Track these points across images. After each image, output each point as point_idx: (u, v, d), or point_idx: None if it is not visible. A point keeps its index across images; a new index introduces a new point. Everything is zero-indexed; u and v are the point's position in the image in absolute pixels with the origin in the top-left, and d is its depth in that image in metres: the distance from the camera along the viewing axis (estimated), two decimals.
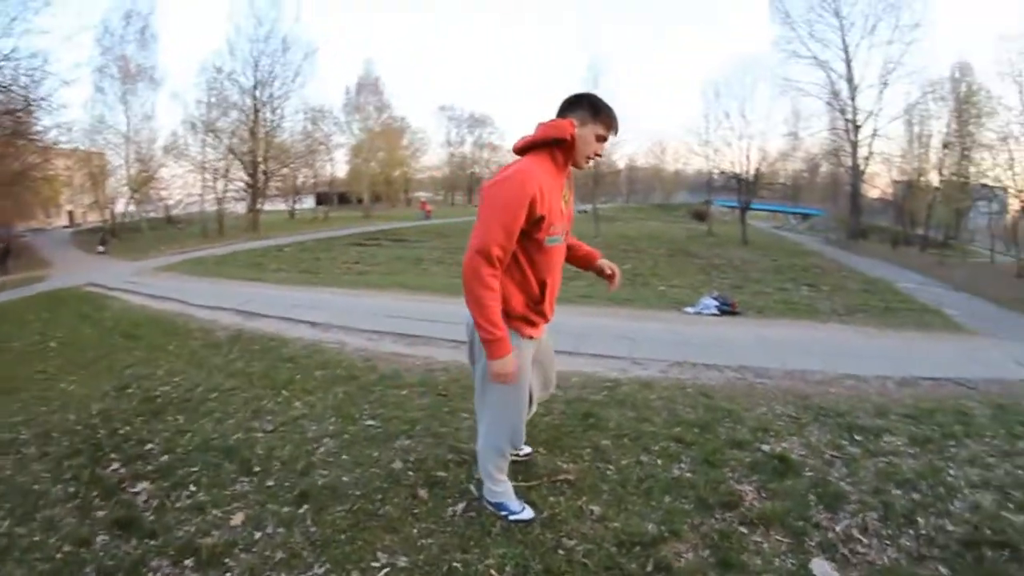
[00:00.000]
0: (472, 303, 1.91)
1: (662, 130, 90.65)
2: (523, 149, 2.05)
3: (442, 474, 2.83)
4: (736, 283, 11.92)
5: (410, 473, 2.89)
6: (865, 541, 2.73)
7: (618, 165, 32.68)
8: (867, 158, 29.68)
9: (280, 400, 3.52)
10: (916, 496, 3.15)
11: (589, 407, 3.81)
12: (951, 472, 3.53)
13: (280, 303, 7.21)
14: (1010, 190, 26.49)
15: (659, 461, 3.06)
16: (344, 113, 37.50)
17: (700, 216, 36.08)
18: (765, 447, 3.38)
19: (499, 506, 2.38)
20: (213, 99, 26.14)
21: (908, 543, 2.69)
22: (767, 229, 36.91)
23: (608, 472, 2.95)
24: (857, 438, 3.79)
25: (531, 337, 2.14)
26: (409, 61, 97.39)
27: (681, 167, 59.17)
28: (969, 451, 3.91)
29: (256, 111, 27.10)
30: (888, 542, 2.71)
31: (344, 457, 2.98)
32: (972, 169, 27.58)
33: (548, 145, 2.01)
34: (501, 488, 2.39)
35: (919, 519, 2.94)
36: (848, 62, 28.59)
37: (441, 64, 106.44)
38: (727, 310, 8.16)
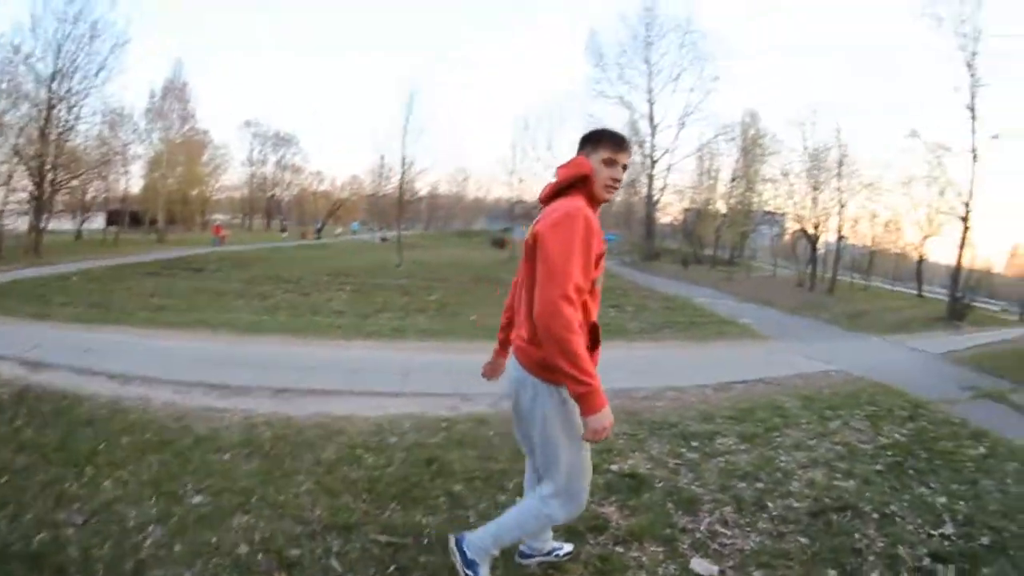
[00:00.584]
0: (560, 353, 1.89)
1: (467, 159, 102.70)
2: (553, 195, 2.22)
3: (296, 552, 2.83)
4: None
5: (259, 557, 2.80)
6: (729, 533, 3.30)
7: (420, 192, 33.70)
8: (662, 189, 37.71)
9: (85, 480, 3.47)
10: (759, 485, 3.99)
11: (431, 452, 4.10)
12: (782, 459, 4.61)
13: (70, 348, 7.30)
14: (789, 215, 36.25)
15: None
16: (145, 119, 38.36)
17: (500, 243, 41.17)
18: (614, 467, 3.90)
19: (472, 566, 2.37)
20: (3, 85, 25.00)
21: (765, 525, 3.44)
22: None
23: (470, 518, 3.14)
24: (693, 444, 4.70)
25: None
26: (220, 66, 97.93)
27: (482, 195, 67.50)
28: (792, 438, 5.16)
29: (51, 107, 26.37)
30: (748, 529, 3.38)
31: (177, 548, 2.85)
32: (756, 198, 37.16)
33: (574, 185, 2.18)
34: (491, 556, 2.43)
35: (768, 503, 3.70)
36: (651, 104, 35.69)
37: (252, 73, 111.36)
38: None
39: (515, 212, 36.75)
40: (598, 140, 2.22)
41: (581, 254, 1.97)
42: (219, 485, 3.35)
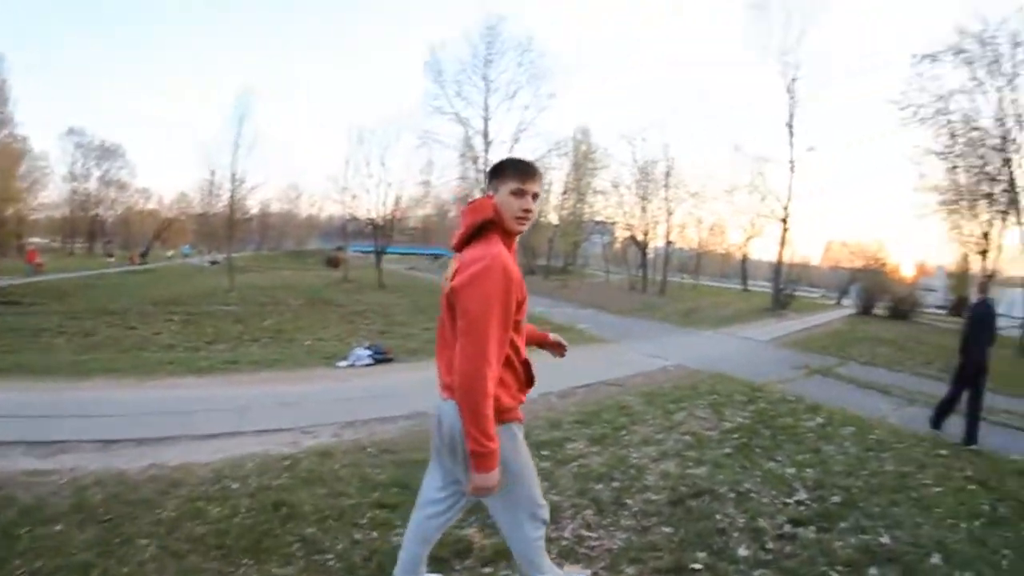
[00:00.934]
0: (471, 414, 2.06)
1: (299, 175, 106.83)
2: (466, 240, 2.30)
3: None
4: (382, 328, 13.66)
5: None
6: (594, 535, 3.59)
7: (251, 211, 32.11)
8: None
9: None
10: (616, 484, 4.38)
11: (276, 494, 4.08)
12: (634, 455, 5.07)
13: None
14: (619, 224, 42.98)
15: (375, 533, 3.47)
16: None
17: (334, 263, 45.10)
18: None
19: None
20: None
21: (628, 522, 3.78)
22: (401, 271, 49.53)
23: (329, 562, 3.20)
24: (544, 453, 5.00)
25: (521, 420, 2.39)
26: (44, 63, 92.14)
27: (315, 212, 71.86)
28: (640, 435, 5.69)
29: None
30: (613, 528, 3.68)
31: None
32: (587, 209, 42.76)
33: (484, 227, 2.28)
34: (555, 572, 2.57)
35: (627, 500, 4.08)
36: (487, 120, 38.23)
37: (76, 76, 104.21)
38: (381, 358, 9.88)
39: (348, 230, 40.30)
40: (502, 172, 2.33)
41: (501, 309, 2.09)
42: (52, 564, 3.03)
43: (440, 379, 2.36)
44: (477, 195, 26.98)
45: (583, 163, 43.10)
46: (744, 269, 51.48)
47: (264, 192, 55.87)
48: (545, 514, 2.49)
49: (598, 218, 44.31)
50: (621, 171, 40.94)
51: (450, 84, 38.15)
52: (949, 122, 25.13)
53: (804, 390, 8.75)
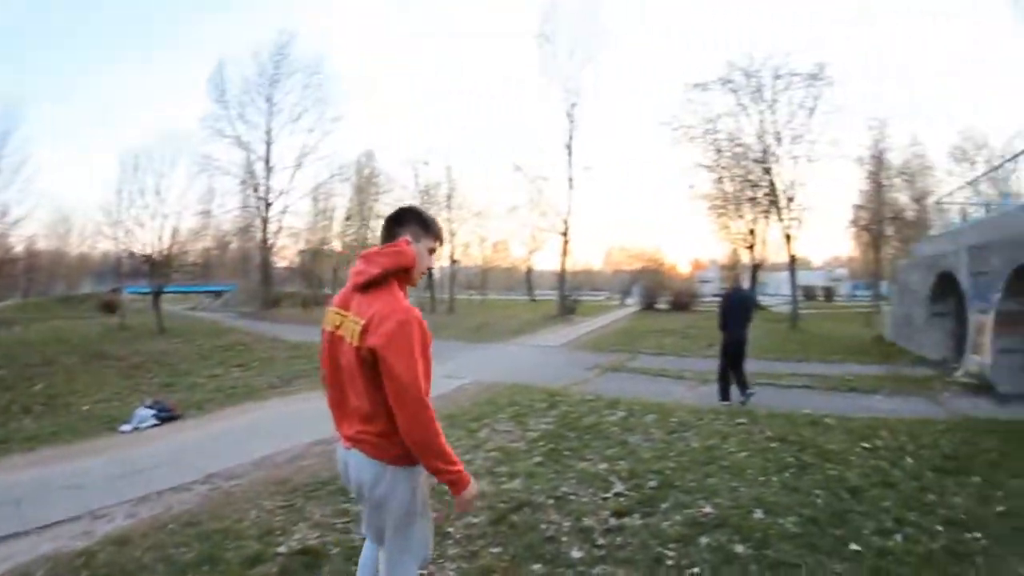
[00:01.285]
0: (435, 456, 2.26)
1: (69, 206, 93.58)
2: (373, 283, 2.35)
3: None
4: (166, 381, 13.08)
5: None
6: (424, 572, 3.45)
7: (15, 249, 28.29)
8: (277, 232, 40.99)
9: None
10: (433, 514, 4.20)
11: None
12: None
13: None
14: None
15: None
16: None
17: (110, 307, 41.88)
18: (282, 548, 4.00)
19: None
20: None
21: (455, 550, 3.86)
22: (182, 312, 47.06)
23: None
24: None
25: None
26: None
27: (87, 250, 67.68)
28: None
29: None
30: (441, 560, 3.72)
31: None
32: (370, 234, 42.55)
33: (396, 274, 2.38)
34: None
35: (449, 529, 4.14)
36: (269, 144, 38.15)
37: None
38: (167, 416, 9.31)
39: (123, 268, 37.48)
40: (428, 227, 2.51)
41: (422, 360, 2.27)
42: None
43: (340, 430, 2.52)
44: (258, 224, 25.43)
45: (366, 187, 45.76)
46: (529, 281, 55.26)
47: (29, 227, 52.65)
48: (430, 556, 2.75)
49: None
50: (403, 195, 43.96)
51: (233, 105, 38.28)
52: (716, 140, 31.75)
53: (601, 388, 9.67)
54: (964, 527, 4.45)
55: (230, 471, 5.97)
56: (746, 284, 9.25)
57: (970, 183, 21.19)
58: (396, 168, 69.27)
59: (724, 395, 8.76)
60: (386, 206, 42.97)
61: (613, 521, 4.20)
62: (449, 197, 41.37)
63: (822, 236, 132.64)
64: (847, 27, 79.81)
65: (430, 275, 40.61)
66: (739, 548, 3.90)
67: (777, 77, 27.98)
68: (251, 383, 12.69)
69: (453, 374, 11.30)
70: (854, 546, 4.07)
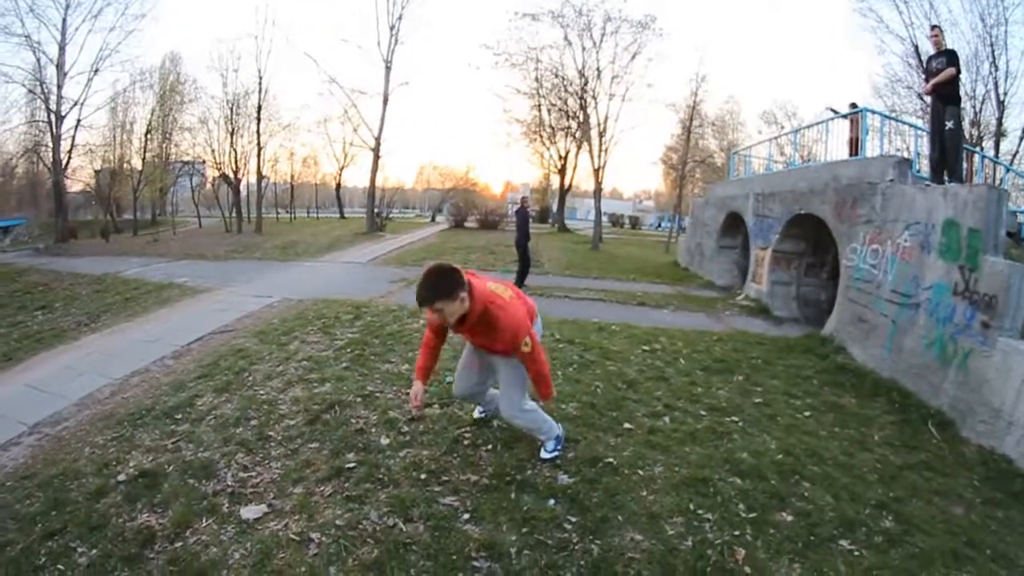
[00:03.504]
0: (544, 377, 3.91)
1: None
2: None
3: None
4: None
5: None
6: (254, 473, 4.02)
7: None
8: (70, 151, 36.56)
9: None
10: (254, 423, 4.81)
11: None
12: (261, 392, 5.45)
13: None
14: (209, 163, 41.59)
15: None
16: None
17: None
18: (121, 476, 4.11)
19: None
20: None
21: (278, 451, 4.28)
22: None
23: None
24: (178, 417, 5.11)
25: None
26: None
27: None
28: (262, 372, 6.02)
29: None
30: (267, 461, 4.16)
31: None
32: (174, 149, 40.22)
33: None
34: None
35: (270, 433, 4.58)
36: (63, 45, 32.71)
37: None
38: None
39: None
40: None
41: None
42: None
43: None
44: (49, 142, 23.13)
45: (171, 96, 40.16)
46: (339, 197, 52.71)
47: None
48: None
49: (186, 158, 42.58)
50: (211, 104, 40.35)
51: None
52: (538, 69, 33.18)
53: (405, 299, 10.15)
54: (725, 413, 5.51)
55: (55, 417, 5.81)
56: (528, 205, 12.55)
57: (765, 141, 23.55)
58: (204, 75, 64.67)
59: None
60: (191, 117, 39.89)
61: (415, 412, 4.69)
62: (259, 108, 37.47)
63: (635, 170, 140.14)
64: None
65: (236, 192, 38.57)
66: None
67: (608, 19, 28.99)
68: (58, 324, 12.19)
69: (262, 293, 11.38)
70: (628, 425, 4.95)
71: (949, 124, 8.37)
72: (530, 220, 14.14)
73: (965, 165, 10.43)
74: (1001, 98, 23.66)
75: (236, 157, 38.14)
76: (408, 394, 4.94)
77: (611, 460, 4.30)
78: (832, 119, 12.52)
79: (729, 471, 4.33)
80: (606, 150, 29.60)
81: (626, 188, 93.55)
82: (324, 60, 78.34)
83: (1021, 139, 23.91)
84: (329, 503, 3.65)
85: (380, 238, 28.09)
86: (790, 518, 3.80)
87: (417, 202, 79.93)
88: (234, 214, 38.83)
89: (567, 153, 36.78)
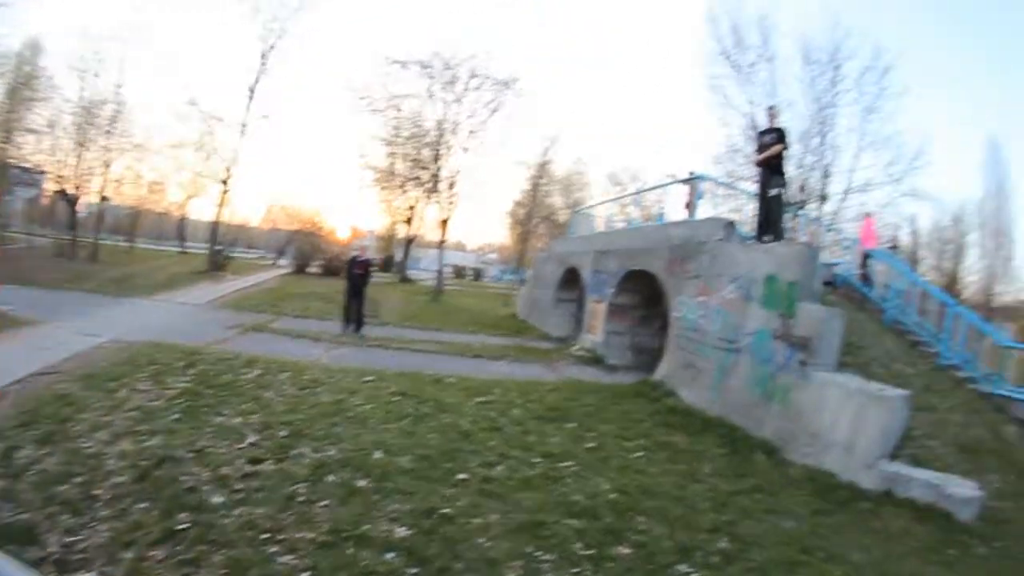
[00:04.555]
0: None
1: None
2: None
3: None
4: None
5: None
6: (81, 536, 3.70)
7: None
8: None
9: None
10: (79, 479, 4.38)
11: None
12: (86, 444, 4.95)
13: None
14: (50, 175, 35.03)
15: None
16: None
17: None
18: None
19: None
20: None
21: (106, 511, 3.91)
22: None
23: None
24: None
25: None
26: None
27: None
28: (88, 422, 5.47)
29: None
30: (94, 523, 3.79)
31: None
32: (15, 152, 32.68)
33: None
34: None
35: (96, 492, 4.18)
36: None
37: None
38: None
39: None
40: None
41: None
42: None
43: None
44: None
45: (21, 90, 33.61)
46: (182, 229, 48.70)
47: None
48: None
49: (24, 164, 35.38)
50: (64, 107, 33.32)
51: None
52: (398, 117, 33.36)
53: (242, 347, 9.88)
54: (559, 459, 5.74)
55: None
56: (368, 254, 13.29)
57: (606, 202, 24.94)
58: (63, 74, 56.27)
59: (347, 327, 12.64)
60: (40, 116, 33.15)
61: (248, 468, 4.66)
62: (113, 120, 32.83)
63: (481, 223, 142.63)
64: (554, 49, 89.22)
65: (74, 214, 33.33)
66: (362, 482, 4.66)
67: (473, 75, 30.04)
68: None
69: (91, 331, 10.40)
70: (462, 475, 5.04)
71: (773, 192, 9.49)
72: (370, 271, 14.66)
73: (790, 225, 12.05)
74: (826, 167, 27.76)
75: (79, 172, 33.03)
76: (241, 448, 4.91)
77: (447, 511, 4.38)
78: (670, 183, 13.79)
79: (564, 513, 4.53)
80: (453, 202, 30.51)
81: (471, 240, 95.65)
82: (189, 77, 72.49)
83: (840, 201, 27.92)
84: (162, 568, 3.47)
85: (220, 278, 26.85)
86: (628, 551, 4.06)
87: (262, 242, 74.62)
88: (70, 236, 33.93)
89: (416, 203, 36.96)
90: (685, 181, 13.19)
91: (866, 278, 12.99)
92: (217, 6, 61.54)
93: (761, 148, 9.81)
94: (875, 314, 11.72)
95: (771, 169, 9.62)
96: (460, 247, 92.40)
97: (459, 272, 64.62)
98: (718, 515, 4.96)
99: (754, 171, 10.67)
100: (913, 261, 43.40)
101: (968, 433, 8.18)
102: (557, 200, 41.31)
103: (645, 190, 19.56)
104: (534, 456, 5.79)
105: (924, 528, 5.66)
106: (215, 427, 5.65)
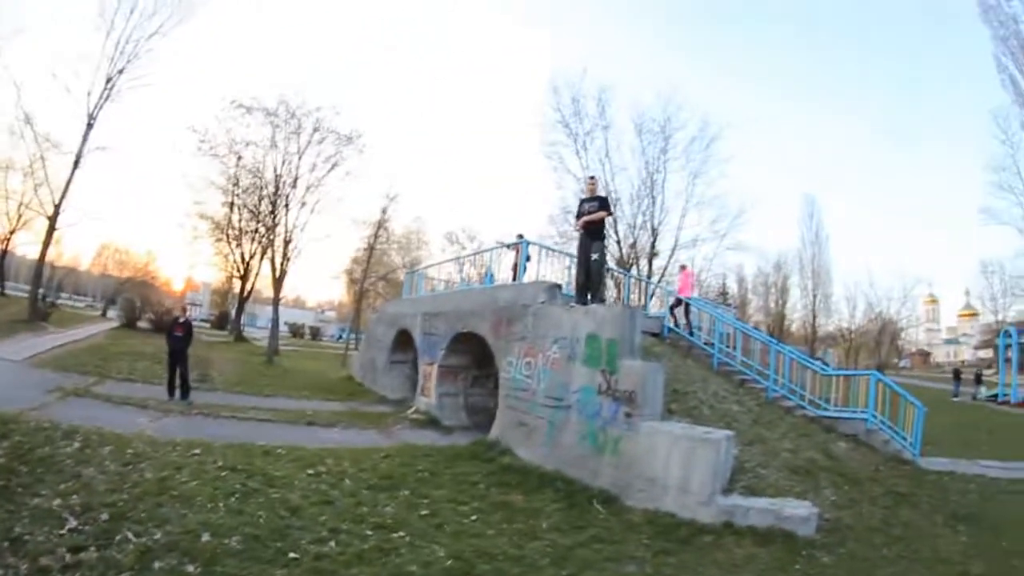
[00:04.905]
0: None
1: None
2: None
3: None
4: None
5: None
6: None
7: None
8: None
9: None
10: None
11: None
12: None
13: None
14: None
15: None
16: None
17: None
18: None
19: None
20: None
21: None
22: None
23: None
24: None
25: None
26: None
27: None
28: None
29: None
30: None
31: None
32: None
33: None
34: None
35: None
36: None
37: None
38: None
39: None
40: None
41: None
42: None
43: None
44: None
45: None
46: (2, 268, 41.63)
47: None
48: None
49: None
50: None
51: None
52: (238, 165, 32.80)
53: (61, 414, 9.09)
54: (392, 529, 5.77)
55: None
56: (189, 315, 12.57)
57: (436, 264, 24.80)
58: None
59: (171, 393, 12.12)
60: None
61: (69, 557, 4.35)
62: None
63: (320, 280, 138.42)
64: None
65: None
66: (190, 568, 4.47)
67: (317, 128, 30.34)
68: None
69: None
70: (293, 554, 4.97)
71: (595, 256, 10.03)
72: (192, 332, 13.96)
73: (611, 283, 12.90)
74: (656, 226, 31.42)
75: None
76: (61, 535, 4.62)
77: None
78: (496, 248, 14.36)
79: None
80: (289, 258, 30.03)
81: (310, 297, 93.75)
82: (26, 88, 62.45)
83: (669, 258, 31.54)
84: None
85: (42, 330, 24.36)
86: None
87: (92, 288, 72.20)
88: None
89: (251, 257, 36.22)
90: (510, 245, 13.81)
91: (688, 326, 13.84)
92: (68, 15, 56.01)
93: (581, 214, 10.32)
94: (703, 360, 12.63)
95: (591, 235, 10.14)
96: (299, 304, 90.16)
97: (296, 331, 63.58)
98: (559, 569, 5.19)
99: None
100: (742, 305, 49.11)
101: (800, 456, 8.97)
102: (396, 258, 41.31)
103: (473, 253, 20.01)
104: (367, 528, 5.80)
105: (768, 551, 6.13)
106: (31, 510, 5.15)
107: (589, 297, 10.09)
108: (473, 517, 6.47)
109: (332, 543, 5.33)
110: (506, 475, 8.34)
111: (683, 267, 16.93)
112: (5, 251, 41.73)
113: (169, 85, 69.46)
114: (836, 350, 52.62)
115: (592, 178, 11.86)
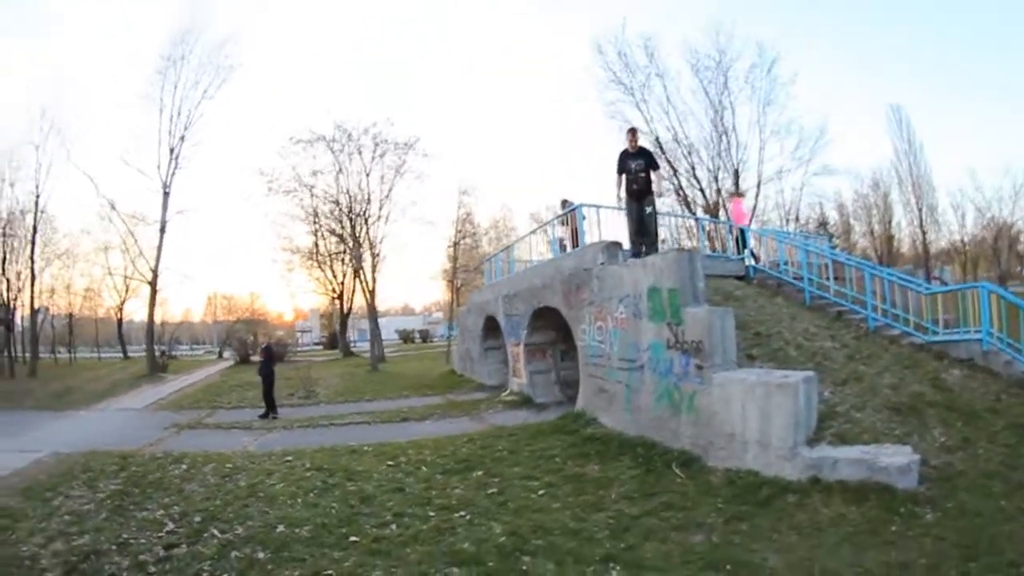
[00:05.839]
0: None
1: None
2: None
3: None
4: None
5: None
6: None
7: None
8: None
9: None
10: None
11: None
12: (23, 551, 5.40)
13: None
14: None
15: None
16: None
17: None
18: None
19: None
20: None
21: None
22: None
23: None
24: None
25: None
26: None
27: None
28: (25, 530, 5.84)
29: None
30: None
31: None
32: None
33: None
34: None
35: None
36: None
37: None
38: None
39: None
40: None
41: None
42: None
43: None
44: None
45: None
46: (122, 335, 49.84)
47: None
48: None
49: None
50: None
51: None
52: (313, 195, 33.71)
53: (175, 444, 10.33)
54: (454, 510, 6.15)
55: None
56: (271, 341, 14.04)
57: (504, 249, 24.95)
58: None
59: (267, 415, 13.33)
60: None
61: (163, 553, 5.17)
62: (35, 231, 32.23)
63: (423, 284, 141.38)
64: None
65: (9, 328, 32.88)
66: (260, 555, 5.14)
67: (376, 144, 31.49)
68: None
69: (30, 447, 10.50)
70: (354, 538, 5.47)
71: (648, 209, 9.80)
72: (273, 359, 15.40)
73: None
74: (736, 165, 29.43)
75: (8, 287, 32.57)
76: (160, 536, 5.40)
77: (330, 572, 4.77)
78: (554, 219, 14.06)
79: (448, 563, 4.90)
80: (376, 268, 31.70)
81: (417, 302, 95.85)
82: (103, 181, 68.51)
83: (756, 195, 29.65)
84: None
85: (161, 380, 26.76)
86: None
87: (207, 335, 76.17)
88: (6, 353, 32.23)
89: (344, 277, 38.02)
90: (563, 216, 13.44)
91: (753, 255, 13.62)
92: (121, 103, 62.11)
93: (626, 171, 9.82)
94: (793, 296, 11.78)
95: (639, 195, 9.87)
96: (408, 311, 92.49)
97: (406, 337, 64.96)
98: (616, 542, 5.13)
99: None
100: (845, 232, 45.06)
101: (903, 392, 7.86)
102: (488, 249, 41.26)
103: (532, 231, 19.97)
104: (430, 510, 6.16)
105: (860, 509, 5.36)
106: (138, 521, 6.12)
107: (643, 249, 9.83)
108: (541, 492, 6.63)
109: (393, 526, 5.78)
110: (586, 446, 8.38)
111: (732, 194, 15.55)
112: (120, 319, 47.80)
113: (227, 133, 73.33)
114: (953, 266, 46.56)
115: (632, 130, 10.80)
